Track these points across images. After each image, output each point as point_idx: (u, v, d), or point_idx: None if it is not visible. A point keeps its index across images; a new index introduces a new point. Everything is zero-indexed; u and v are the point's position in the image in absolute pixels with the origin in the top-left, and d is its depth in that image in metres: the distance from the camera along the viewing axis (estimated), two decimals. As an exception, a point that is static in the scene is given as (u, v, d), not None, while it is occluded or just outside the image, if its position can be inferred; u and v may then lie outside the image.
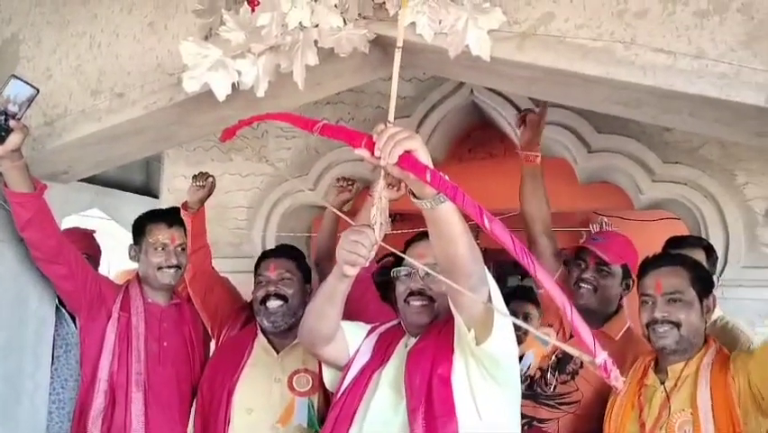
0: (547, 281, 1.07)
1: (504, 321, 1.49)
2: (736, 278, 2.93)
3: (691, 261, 1.98)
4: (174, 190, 3.87)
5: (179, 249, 2.39)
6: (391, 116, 1.33)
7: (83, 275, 2.22)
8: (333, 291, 1.64)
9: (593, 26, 1.52)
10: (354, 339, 1.83)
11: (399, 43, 1.35)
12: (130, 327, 2.27)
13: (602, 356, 1.00)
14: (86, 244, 2.94)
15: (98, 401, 2.20)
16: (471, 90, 3.40)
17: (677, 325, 1.84)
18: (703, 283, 1.91)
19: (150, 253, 2.35)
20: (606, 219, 4.87)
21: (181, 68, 1.70)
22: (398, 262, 1.85)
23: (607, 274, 2.29)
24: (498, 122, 3.61)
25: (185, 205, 2.53)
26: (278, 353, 2.20)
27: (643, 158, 3.16)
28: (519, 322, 1.19)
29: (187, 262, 2.44)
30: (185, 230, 2.44)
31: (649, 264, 1.96)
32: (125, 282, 2.43)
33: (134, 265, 3.23)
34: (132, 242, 2.44)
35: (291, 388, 2.10)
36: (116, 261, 4.72)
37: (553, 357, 2.37)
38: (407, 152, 1.21)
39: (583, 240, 2.44)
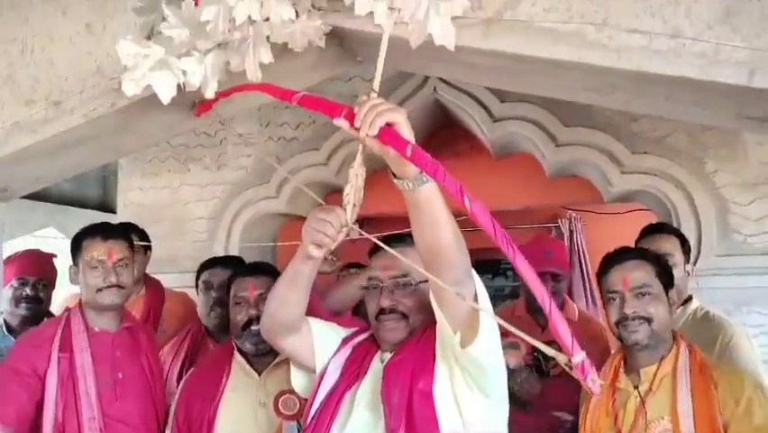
0: (527, 272, 0.98)
1: (491, 321, 1.38)
2: (710, 267, 2.89)
3: (653, 253, 1.91)
4: (130, 204, 3.72)
5: (120, 266, 2.06)
6: (376, 85, 1.23)
7: (25, 410, 1.92)
8: (295, 274, 1.51)
9: (562, 8, 1.43)
10: (322, 341, 1.68)
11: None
12: (74, 366, 1.98)
13: (579, 356, 0.93)
14: (46, 268, 2.80)
15: None
16: (435, 88, 3.31)
17: (648, 319, 1.76)
18: (668, 276, 1.85)
19: (87, 272, 2.05)
20: (575, 215, 4.86)
21: (122, 70, 1.57)
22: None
23: (562, 279, 2.79)
24: (462, 120, 3.54)
25: None
26: (259, 374, 2.02)
27: (610, 149, 3.11)
28: (507, 325, 1.06)
29: (132, 280, 2.13)
30: (128, 244, 2.13)
31: (612, 260, 1.87)
32: (64, 312, 2.15)
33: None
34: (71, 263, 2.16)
35: (278, 411, 1.93)
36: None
37: (535, 354, 2.45)
38: (389, 125, 1.13)
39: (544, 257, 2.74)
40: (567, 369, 0.93)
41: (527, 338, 0.97)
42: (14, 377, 1.95)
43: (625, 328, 1.78)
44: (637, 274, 1.80)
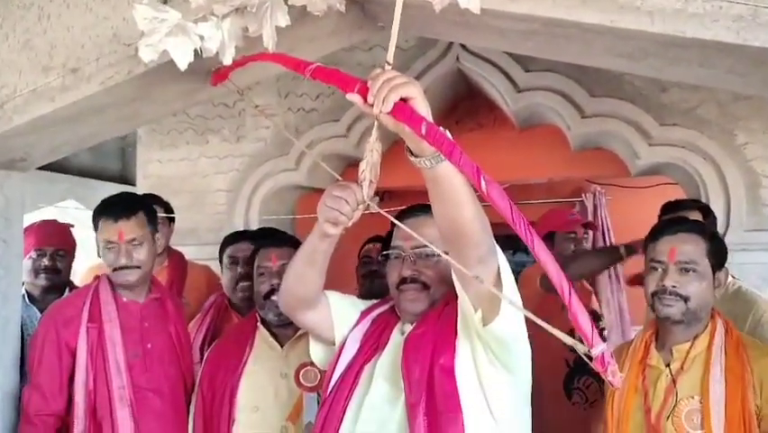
0: (545, 257, 0.93)
1: (514, 296, 1.34)
2: (738, 242, 2.82)
3: (710, 230, 1.83)
4: (149, 176, 3.71)
5: (132, 245, 2.03)
6: (390, 57, 1.18)
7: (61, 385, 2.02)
8: (312, 251, 1.48)
9: (593, -31, 1.36)
10: (341, 315, 1.67)
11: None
12: (103, 337, 2.00)
13: (600, 348, 0.88)
14: (62, 238, 2.81)
15: (79, 428, 1.97)
16: (457, 58, 3.24)
17: (685, 298, 1.69)
18: (719, 256, 1.76)
19: (102, 252, 2.07)
20: (599, 189, 4.77)
21: (139, 37, 1.53)
22: (386, 245, 1.69)
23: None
24: (485, 90, 3.47)
25: None
26: (281, 346, 2.04)
27: (638, 121, 3.04)
28: (528, 313, 1.03)
29: (150, 255, 2.10)
30: (144, 220, 2.09)
31: (663, 229, 1.79)
32: (94, 281, 2.14)
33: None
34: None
35: (299, 383, 1.95)
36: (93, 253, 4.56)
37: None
38: (404, 101, 1.08)
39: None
40: (587, 360, 0.90)
41: (545, 326, 0.93)
42: (48, 353, 2.00)
43: (660, 301, 1.71)
44: (687, 248, 1.71)
